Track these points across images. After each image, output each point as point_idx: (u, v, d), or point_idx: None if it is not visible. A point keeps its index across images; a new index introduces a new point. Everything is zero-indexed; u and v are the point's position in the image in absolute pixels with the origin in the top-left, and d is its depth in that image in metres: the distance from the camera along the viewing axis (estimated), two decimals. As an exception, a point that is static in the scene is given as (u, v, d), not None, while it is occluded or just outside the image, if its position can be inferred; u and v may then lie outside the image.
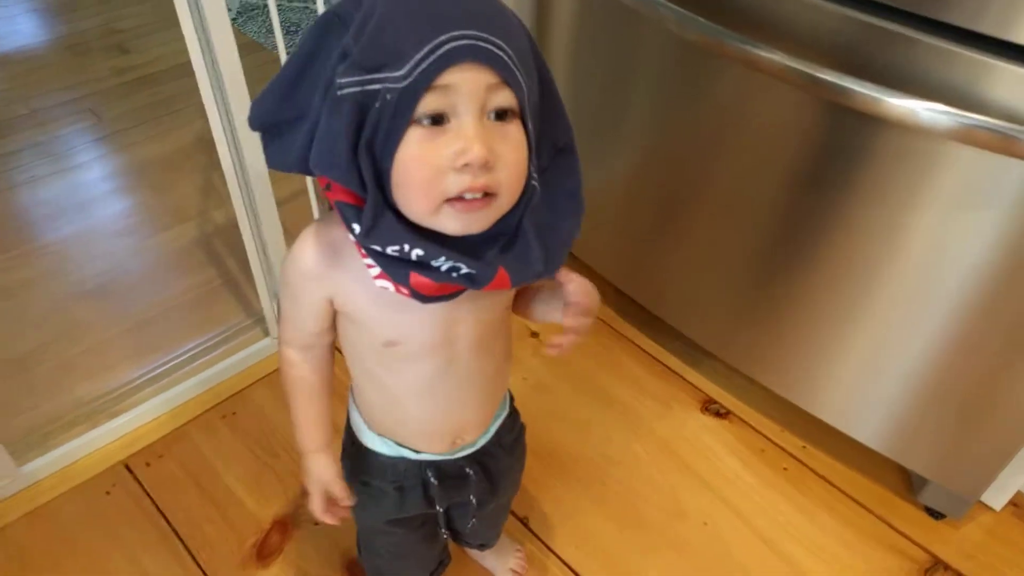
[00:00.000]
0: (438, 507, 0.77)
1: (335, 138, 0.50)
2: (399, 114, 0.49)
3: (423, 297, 0.55)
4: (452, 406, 0.70)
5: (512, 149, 0.52)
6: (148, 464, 1.15)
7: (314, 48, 0.52)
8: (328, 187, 0.54)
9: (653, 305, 1.32)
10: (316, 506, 0.73)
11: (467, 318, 0.63)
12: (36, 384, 1.25)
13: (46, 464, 1.12)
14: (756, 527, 1.11)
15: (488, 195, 0.52)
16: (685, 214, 1.16)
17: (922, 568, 1.08)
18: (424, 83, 0.48)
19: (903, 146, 0.87)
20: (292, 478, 1.14)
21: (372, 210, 0.51)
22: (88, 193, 1.65)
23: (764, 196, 1.04)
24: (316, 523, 1.07)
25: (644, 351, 1.36)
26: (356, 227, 0.52)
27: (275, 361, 1.30)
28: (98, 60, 2.08)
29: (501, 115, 0.51)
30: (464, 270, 0.53)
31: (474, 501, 0.79)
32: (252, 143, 1.08)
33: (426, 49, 0.47)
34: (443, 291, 0.56)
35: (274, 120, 0.54)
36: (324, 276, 0.60)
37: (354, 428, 0.75)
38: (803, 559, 1.08)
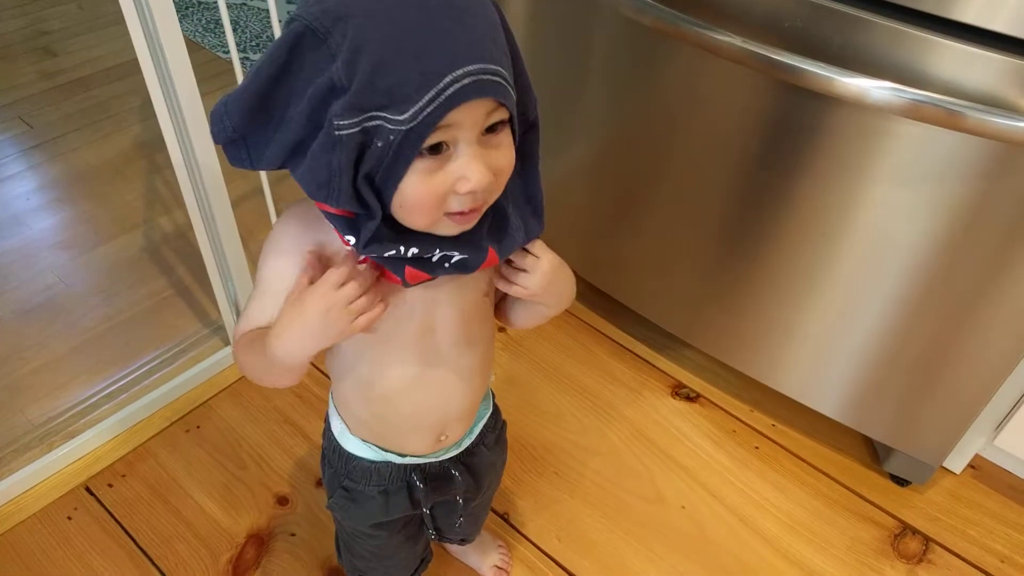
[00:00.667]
0: (424, 508, 0.77)
1: (334, 173, 0.50)
2: (403, 153, 0.49)
3: (407, 282, 0.56)
4: (437, 400, 0.69)
5: (504, 156, 0.54)
6: (110, 485, 1.11)
7: (287, 61, 0.49)
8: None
9: (618, 293, 1.33)
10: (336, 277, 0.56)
11: (447, 300, 0.63)
12: (-16, 409, 1.19)
13: (2, 492, 1.07)
14: (732, 506, 1.13)
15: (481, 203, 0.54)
16: (644, 200, 1.17)
17: (892, 534, 1.11)
18: (430, 126, 0.48)
19: (854, 123, 0.89)
20: (263, 488, 1.11)
21: (371, 229, 0.52)
22: (24, 205, 1.57)
23: (721, 177, 1.05)
24: (292, 533, 1.06)
25: (611, 339, 1.37)
26: (351, 239, 0.53)
27: (237, 371, 1.27)
28: (25, 64, 1.98)
29: (491, 129, 0.52)
30: (456, 258, 0.55)
31: (460, 500, 0.79)
32: (204, 143, 1.04)
33: (431, 94, 0.47)
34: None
35: (243, 132, 0.52)
36: (304, 246, 0.58)
37: (335, 435, 0.74)
38: (780, 534, 1.10)
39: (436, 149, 0.50)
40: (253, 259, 1.40)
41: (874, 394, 1.08)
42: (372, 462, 0.73)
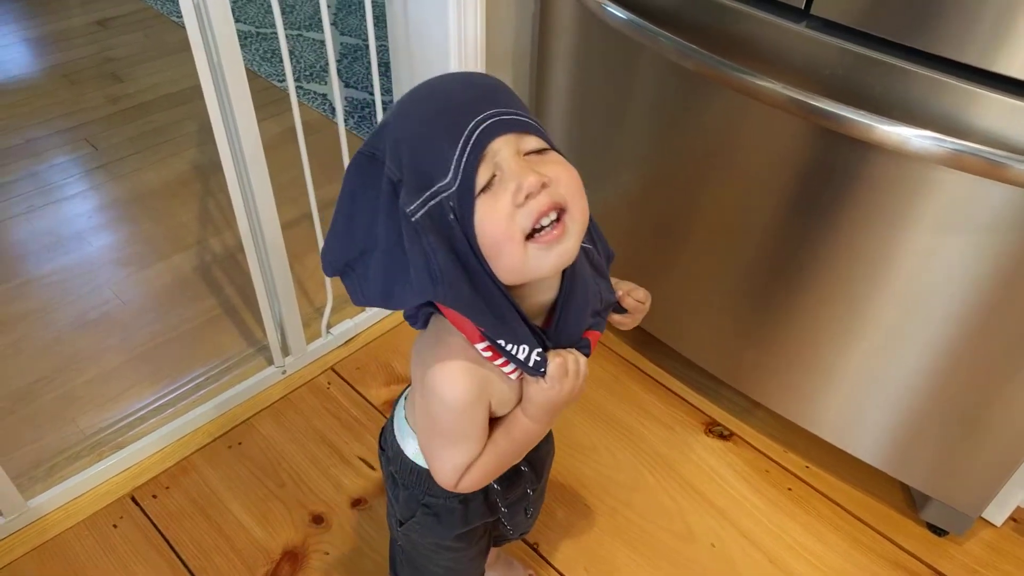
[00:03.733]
0: (503, 508, 0.79)
1: (430, 256, 0.54)
2: (465, 206, 0.53)
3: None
4: None
5: (558, 164, 0.56)
6: (155, 496, 1.15)
7: (355, 186, 0.57)
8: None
9: (655, 329, 1.34)
10: (575, 364, 0.64)
11: None
12: (39, 417, 1.24)
13: (52, 498, 1.11)
14: (763, 547, 1.12)
15: (560, 213, 0.55)
16: (684, 238, 1.18)
17: (927, 585, 1.09)
18: (473, 171, 0.53)
19: (895, 171, 0.89)
20: (300, 507, 1.14)
21: (498, 314, 0.57)
22: (86, 223, 1.65)
23: (761, 220, 1.06)
24: (326, 552, 1.08)
25: (647, 375, 1.38)
26: (525, 349, 0.59)
27: (279, 391, 1.30)
28: (92, 89, 2.08)
29: (534, 152, 0.56)
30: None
31: (530, 492, 0.82)
32: (258, 167, 1.09)
33: (461, 144, 0.53)
34: None
35: (345, 260, 0.59)
36: (483, 389, 0.62)
37: (410, 456, 0.75)
38: (810, 578, 1.09)
39: (488, 186, 0.53)
40: (300, 282, 1.45)
41: (912, 441, 1.07)
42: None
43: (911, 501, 1.19)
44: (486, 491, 0.77)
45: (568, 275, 0.62)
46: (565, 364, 0.61)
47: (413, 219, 0.53)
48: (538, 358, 0.60)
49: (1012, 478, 1.03)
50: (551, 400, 0.62)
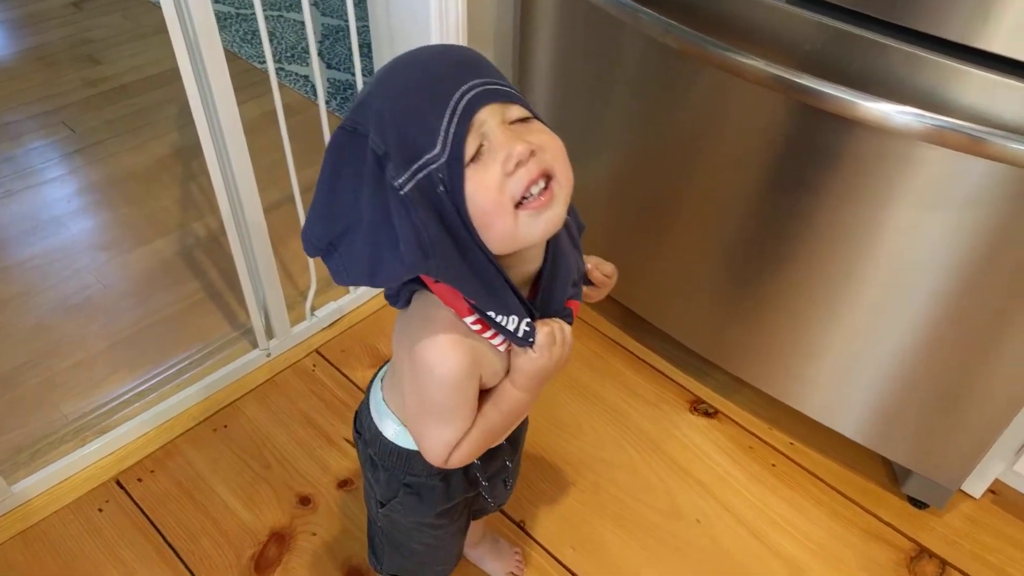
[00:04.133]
0: (483, 482, 0.79)
1: (421, 229, 0.53)
2: (455, 176, 0.53)
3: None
4: None
5: (543, 132, 0.57)
6: (140, 479, 1.14)
7: (337, 162, 0.56)
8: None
9: (639, 307, 1.34)
10: (561, 333, 0.65)
11: None
12: (23, 402, 1.23)
13: (37, 483, 1.11)
14: (748, 523, 1.14)
15: (547, 180, 0.55)
16: (667, 217, 1.18)
17: (908, 556, 1.11)
18: (462, 141, 0.53)
19: (877, 147, 0.90)
20: (286, 488, 1.14)
21: (488, 285, 0.57)
22: (65, 207, 1.63)
23: (743, 197, 1.06)
24: (313, 533, 1.08)
25: (632, 354, 1.38)
26: (512, 320, 0.59)
27: (263, 373, 1.30)
28: (69, 71, 2.05)
29: (518, 121, 0.56)
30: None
31: (508, 464, 0.83)
32: (239, 150, 1.08)
33: (448, 115, 0.53)
34: None
35: (328, 239, 0.58)
36: (474, 362, 0.62)
37: (391, 438, 0.75)
38: (794, 552, 1.10)
39: (477, 156, 0.53)
40: (283, 264, 1.44)
41: (894, 416, 1.09)
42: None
43: (893, 475, 1.21)
44: (466, 467, 0.77)
45: (552, 245, 0.62)
46: (552, 333, 0.62)
47: (402, 192, 0.53)
48: (527, 328, 0.60)
49: (990, 451, 1.05)
50: (540, 369, 0.63)
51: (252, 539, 1.08)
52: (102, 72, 2.05)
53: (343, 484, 1.15)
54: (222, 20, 2.27)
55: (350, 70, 2.09)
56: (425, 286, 0.62)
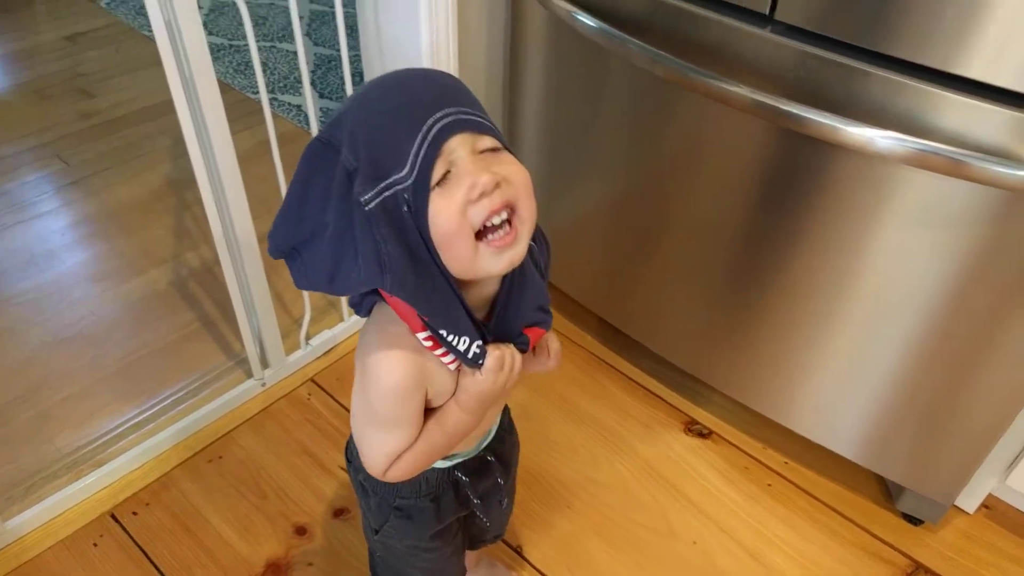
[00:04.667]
0: (474, 500, 0.80)
1: (380, 243, 0.55)
2: (420, 198, 0.55)
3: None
4: (492, 412, 0.76)
5: (511, 163, 0.58)
6: (135, 513, 1.14)
7: (309, 172, 0.58)
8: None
9: (630, 328, 1.35)
10: (511, 359, 0.66)
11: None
12: (15, 436, 1.23)
13: (31, 518, 1.10)
14: (744, 543, 1.14)
15: (511, 215, 0.57)
16: (658, 240, 1.20)
17: (904, 573, 1.11)
18: (430, 166, 0.54)
19: (860, 171, 0.92)
20: (282, 519, 1.14)
21: (444, 305, 0.58)
22: (59, 240, 1.63)
23: (732, 220, 1.08)
24: (310, 563, 1.08)
25: (625, 375, 1.39)
26: (464, 340, 0.60)
27: (258, 403, 1.30)
28: (63, 105, 2.06)
29: (487, 151, 0.57)
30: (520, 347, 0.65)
31: (501, 481, 0.83)
32: (233, 180, 1.09)
33: (419, 139, 0.54)
34: None
35: (292, 243, 0.59)
36: (421, 377, 0.63)
37: None
38: (791, 571, 1.10)
39: (443, 181, 0.55)
40: (278, 294, 1.45)
41: (886, 433, 1.09)
42: (417, 476, 0.75)
43: (887, 492, 1.21)
44: (456, 485, 0.78)
45: (513, 272, 0.63)
46: (502, 358, 0.63)
47: (366, 208, 0.54)
48: (477, 350, 0.61)
49: (982, 466, 1.06)
50: (484, 392, 0.64)
51: (248, 570, 1.07)
52: (96, 105, 2.06)
53: (339, 513, 1.15)
54: (215, 51, 2.29)
55: (342, 99, 2.11)
56: (384, 299, 0.63)
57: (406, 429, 0.65)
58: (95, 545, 1.10)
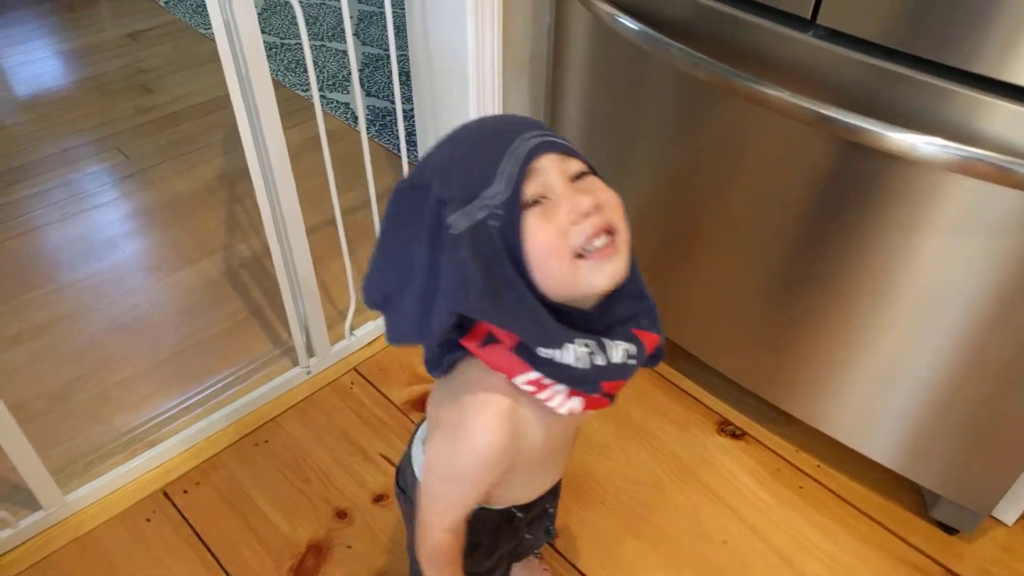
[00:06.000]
0: (527, 536, 0.82)
1: (465, 268, 0.54)
2: (513, 214, 0.54)
3: (612, 397, 0.61)
4: (557, 467, 0.76)
5: (605, 189, 0.59)
6: (186, 491, 1.19)
7: (396, 215, 0.59)
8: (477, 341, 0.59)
9: (672, 334, 1.36)
10: None
11: None
12: (75, 415, 1.30)
13: (89, 493, 1.16)
14: (774, 545, 1.15)
15: (610, 234, 0.57)
16: (697, 244, 1.21)
17: (938, 582, 1.11)
18: (522, 179, 0.55)
19: (905, 177, 0.92)
20: (324, 503, 1.18)
21: (533, 318, 0.55)
22: (118, 229, 1.70)
23: (774, 225, 1.08)
24: (349, 546, 1.12)
25: (660, 375, 1.40)
26: (541, 351, 0.56)
27: (304, 391, 1.35)
28: (124, 100, 2.15)
29: (578, 177, 0.58)
30: (634, 351, 0.60)
31: (549, 510, 0.85)
32: (284, 173, 1.13)
33: (507, 155, 0.55)
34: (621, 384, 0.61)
35: (387, 291, 0.60)
36: (514, 442, 0.61)
37: None
38: (823, 575, 1.11)
39: (538, 202, 0.55)
40: (324, 285, 1.49)
41: (924, 441, 1.09)
42: (474, 514, 0.73)
43: (922, 500, 1.21)
44: (511, 520, 0.77)
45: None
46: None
47: (455, 231, 0.54)
48: (587, 348, 0.57)
49: (1021, 477, 1.05)
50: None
51: (291, 550, 1.12)
52: (154, 100, 2.14)
53: (378, 499, 1.19)
54: (268, 50, 2.36)
55: (388, 97, 2.16)
56: (469, 353, 0.60)
57: (475, 493, 0.64)
58: (148, 520, 1.15)
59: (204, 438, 1.26)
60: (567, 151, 0.57)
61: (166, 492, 1.19)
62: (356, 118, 1.25)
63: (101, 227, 1.71)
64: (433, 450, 0.65)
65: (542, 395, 0.58)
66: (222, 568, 1.09)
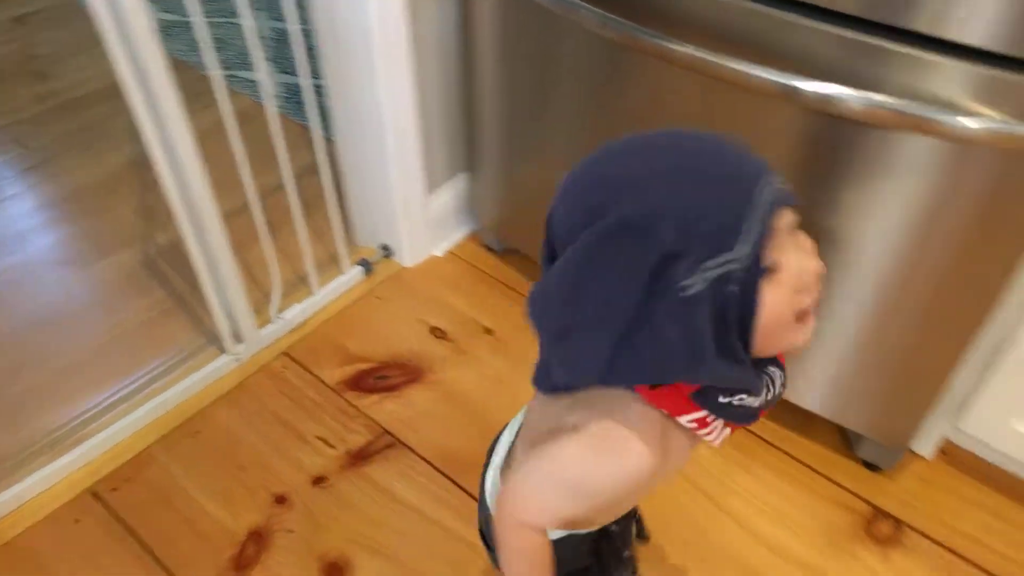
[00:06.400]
0: (625, 554, 0.81)
1: (695, 337, 0.50)
2: (751, 280, 0.50)
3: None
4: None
5: (807, 238, 0.57)
6: (115, 489, 1.15)
7: (597, 254, 0.51)
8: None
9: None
10: None
11: None
12: (-8, 420, 1.24)
13: (11, 498, 1.11)
14: (707, 491, 1.18)
15: None
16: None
17: (865, 519, 1.15)
18: (761, 247, 0.50)
19: (813, 125, 0.94)
20: (262, 489, 1.16)
21: (745, 377, 0.54)
22: (23, 224, 1.62)
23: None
24: (290, 530, 1.11)
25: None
26: (703, 415, 0.56)
27: (234, 378, 1.32)
28: (17, 88, 2.03)
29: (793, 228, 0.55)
30: (784, 376, 0.60)
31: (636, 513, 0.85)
32: (192, 161, 1.09)
33: (750, 218, 0.49)
34: None
35: (564, 323, 0.54)
36: (651, 477, 0.59)
37: None
38: (753, 518, 1.15)
39: (774, 267, 0.52)
40: (247, 269, 1.45)
41: (845, 384, 1.13)
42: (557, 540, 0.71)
43: (846, 440, 1.26)
44: (609, 537, 0.75)
45: None
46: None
47: (686, 294, 0.49)
48: (727, 432, 0.58)
49: (936, 412, 1.10)
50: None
51: (230, 540, 1.10)
52: (50, 87, 2.03)
53: (317, 481, 1.17)
54: (170, 28, 2.26)
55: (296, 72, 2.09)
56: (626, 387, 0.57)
57: (590, 509, 0.62)
58: (77, 522, 1.11)
59: (132, 433, 1.22)
60: (794, 201, 0.53)
61: (95, 492, 1.15)
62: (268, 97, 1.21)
63: (8, 222, 1.62)
64: (565, 451, 0.60)
65: (703, 431, 0.57)
66: (159, 564, 1.07)
